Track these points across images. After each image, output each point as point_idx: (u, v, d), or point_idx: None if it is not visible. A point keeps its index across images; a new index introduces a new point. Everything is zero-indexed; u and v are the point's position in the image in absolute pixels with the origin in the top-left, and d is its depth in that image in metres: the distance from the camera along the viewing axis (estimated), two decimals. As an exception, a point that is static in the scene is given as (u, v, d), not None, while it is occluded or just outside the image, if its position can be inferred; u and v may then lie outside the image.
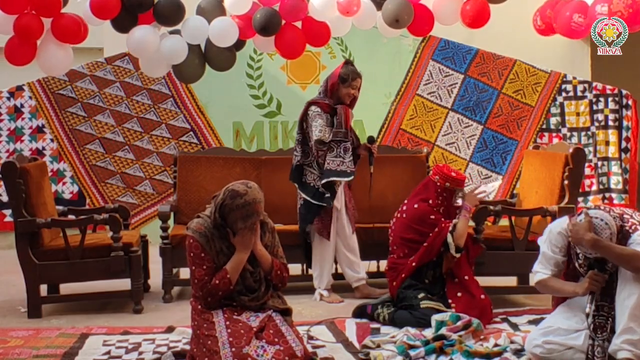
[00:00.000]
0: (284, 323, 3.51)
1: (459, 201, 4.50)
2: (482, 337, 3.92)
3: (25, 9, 4.65)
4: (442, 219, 4.42)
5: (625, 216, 3.41)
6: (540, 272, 3.57)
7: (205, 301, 3.49)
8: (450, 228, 4.35)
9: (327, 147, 4.87)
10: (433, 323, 4.01)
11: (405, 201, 4.63)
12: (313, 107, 4.94)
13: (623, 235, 3.34)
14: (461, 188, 4.51)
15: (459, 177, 4.50)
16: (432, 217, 4.42)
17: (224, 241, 3.52)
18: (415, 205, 4.50)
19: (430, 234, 4.38)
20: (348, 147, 4.91)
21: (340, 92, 4.95)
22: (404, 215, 4.54)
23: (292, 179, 5.04)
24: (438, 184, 4.46)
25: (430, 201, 4.47)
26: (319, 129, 4.86)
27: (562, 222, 3.53)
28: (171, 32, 4.99)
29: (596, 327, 3.36)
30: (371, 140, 5.06)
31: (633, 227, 3.36)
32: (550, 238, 3.55)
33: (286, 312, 3.65)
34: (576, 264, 3.47)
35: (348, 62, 5.06)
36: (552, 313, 3.64)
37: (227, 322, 3.41)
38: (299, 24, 5.04)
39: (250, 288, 3.57)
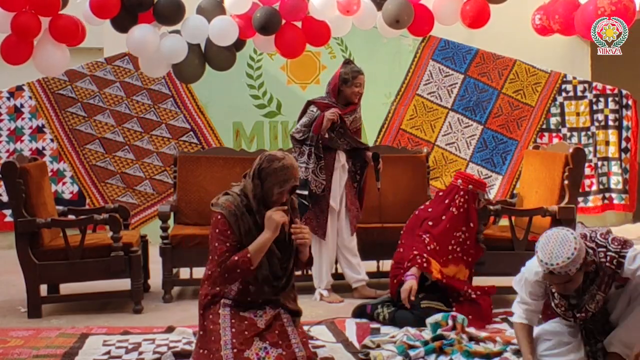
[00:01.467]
0: (290, 324, 3.44)
1: None
2: (477, 336, 3.91)
3: (23, 8, 4.64)
4: (420, 248, 4.39)
5: (599, 249, 3.20)
6: (516, 314, 3.47)
7: (223, 278, 3.36)
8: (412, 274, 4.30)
9: (299, 149, 4.93)
10: (428, 326, 4.00)
11: (427, 202, 4.73)
12: (310, 107, 4.97)
13: (617, 265, 3.17)
14: (483, 191, 4.60)
15: (480, 181, 4.64)
16: (430, 223, 4.49)
17: (253, 222, 3.39)
18: (429, 210, 4.59)
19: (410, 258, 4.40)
20: (310, 152, 4.87)
21: (345, 92, 4.97)
22: (416, 213, 4.66)
23: None
24: (461, 187, 4.52)
25: (446, 200, 4.54)
26: (295, 126, 5.00)
27: (535, 269, 3.31)
28: (171, 32, 4.99)
29: (588, 334, 3.36)
30: (375, 157, 5.04)
31: (613, 261, 3.16)
32: (527, 287, 3.41)
33: (295, 314, 3.58)
34: (552, 304, 3.37)
35: (348, 62, 5.08)
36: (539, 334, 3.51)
37: (233, 320, 3.35)
38: (299, 24, 5.04)
39: (276, 276, 3.45)
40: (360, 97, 5.05)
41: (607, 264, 3.16)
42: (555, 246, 3.03)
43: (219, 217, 3.38)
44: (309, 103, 5.03)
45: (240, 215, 3.38)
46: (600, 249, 3.19)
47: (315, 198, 4.89)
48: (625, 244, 3.18)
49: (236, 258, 3.32)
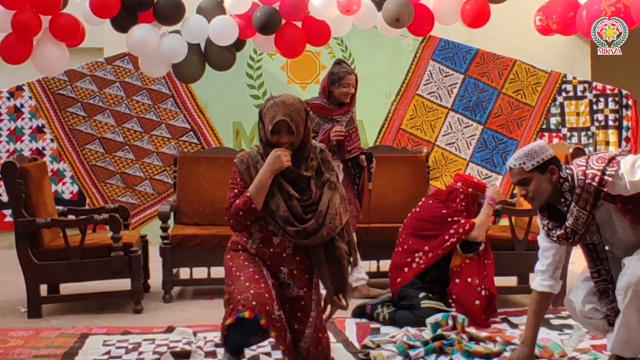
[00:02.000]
0: (311, 324, 3.37)
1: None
2: (477, 336, 3.91)
3: (24, 6, 4.64)
4: (461, 219, 4.43)
5: (579, 168, 3.20)
6: (535, 279, 3.48)
7: (230, 225, 3.33)
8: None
9: None
10: (428, 326, 4.00)
11: (423, 199, 4.71)
12: None
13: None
14: (483, 194, 4.58)
15: (480, 183, 4.61)
16: (444, 211, 4.48)
17: None
18: (430, 202, 4.60)
19: (450, 231, 4.40)
20: None
21: (334, 93, 4.95)
22: (417, 209, 4.63)
23: None
24: (461, 190, 4.52)
25: (452, 206, 4.53)
26: None
27: None
28: (171, 32, 4.99)
29: (601, 293, 3.31)
30: (369, 158, 5.02)
31: (595, 178, 3.10)
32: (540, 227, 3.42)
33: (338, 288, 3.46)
34: (541, 224, 3.36)
35: (338, 62, 5.06)
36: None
37: (256, 276, 3.22)
38: (299, 24, 5.05)
39: (299, 217, 3.27)
40: (352, 97, 5.01)
41: (588, 180, 3.12)
42: (520, 150, 3.25)
43: (233, 169, 3.37)
44: None
45: (254, 163, 3.33)
46: (579, 168, 3.20)
47: None
48: (610, 161, 3.12)
49: (238, 201, 3.27)
